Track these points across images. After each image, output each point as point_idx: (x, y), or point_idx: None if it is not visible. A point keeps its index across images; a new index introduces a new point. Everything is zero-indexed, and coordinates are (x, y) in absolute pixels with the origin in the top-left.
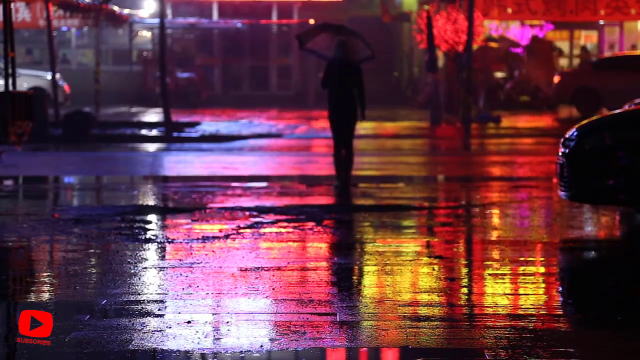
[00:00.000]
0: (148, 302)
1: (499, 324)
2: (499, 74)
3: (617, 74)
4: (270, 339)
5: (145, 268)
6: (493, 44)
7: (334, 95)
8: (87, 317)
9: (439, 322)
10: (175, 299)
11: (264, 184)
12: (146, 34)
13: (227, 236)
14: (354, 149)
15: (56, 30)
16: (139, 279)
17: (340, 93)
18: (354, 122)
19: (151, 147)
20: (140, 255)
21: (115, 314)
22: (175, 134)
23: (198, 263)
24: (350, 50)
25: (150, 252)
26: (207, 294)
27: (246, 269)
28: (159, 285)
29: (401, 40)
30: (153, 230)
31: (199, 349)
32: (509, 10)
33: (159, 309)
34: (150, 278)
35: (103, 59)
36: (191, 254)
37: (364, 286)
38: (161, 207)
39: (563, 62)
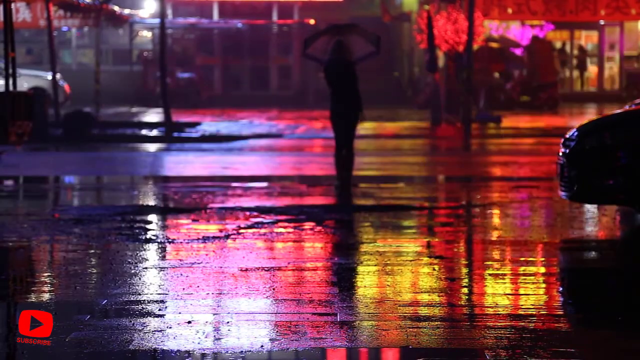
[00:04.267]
0: (148, 302)
1: (499, 324)
2: (499, 74)
3: None
4: (270, 339)
5: (146, 268)
6: (493, 44)
7: (334, 96)
8: (87, 317)
9: (439, 322)
10: (176, 299)
11: (264, 184)
12: (146, 34)
13: (227, 236)
14: (354, 148)
15: (56, 30)
16: (140, 279)
17: (340, 93)
18: (355, 121)
19: (151, 147)
20: (140, 255)
21: (115, 314)
22: (175, 134)
23: (198, 263)
24: (346, 50)
25: (151, 252)
26: (208, 294)
27: (246, 269)
28: (159, 285)
29: (401, 40)
30: (153, 230)
31: (199, 349)
32: (509, 11)
33: (159, 309)
34: (151, 278)
35: (103, 59)
36: (191, 254)
37: (364, 286)
38: (161, 207)
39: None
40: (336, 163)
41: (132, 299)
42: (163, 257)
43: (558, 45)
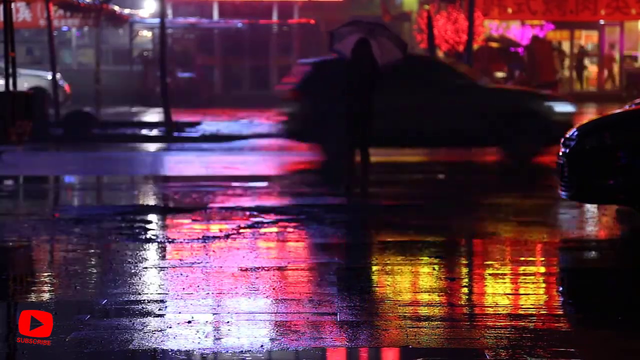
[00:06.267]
0: (148, 302)
1: (499, 323)
2: (499, 74)
3: None
4: (270, 339)
5: (146, 268)
6: (493, 44)
7: (352, 95)
8: (87, 317)
9: (439, 322)
10: (176, 298)
11: (264, 184)
12: (146, 34)
13: (227, 236)
14: (369, 149)
15: (56, 30)
16: (140, 278)
17: (357, 93)
18: (371, 122)
19: (152, 147)
20: (140, 255)
21: (115, 313)
22: (175, 134)
23: (198, 263)
24: (369, 50)
25: (151, 252)
26: (208, 293)
27: (246, 269)
28: (159, 285)
29: None
30: (153, 230)
31: (199, 348)
32: (509, 10)
33: (159, 309)
34: (151, 278)
35: (103, 58)
36: (191, 253)
37: (365, 286)
38: (162, 207)
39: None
40: (345, 163)
41: (132, 299)
42: (163, 257)
43: (565, 45)
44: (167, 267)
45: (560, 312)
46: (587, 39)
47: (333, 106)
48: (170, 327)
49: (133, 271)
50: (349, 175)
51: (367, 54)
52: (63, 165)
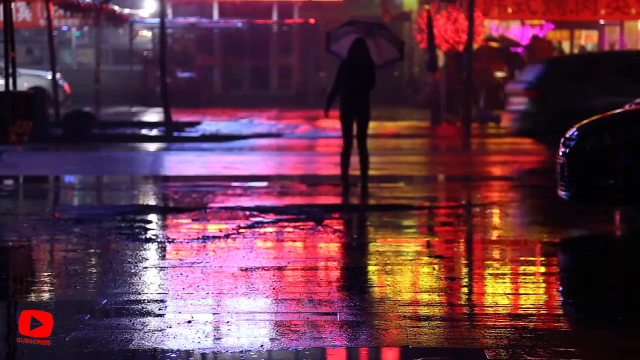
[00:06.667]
0: (148, 302)
1: (499, 323)
2: (499, 74)
3: None
4: (270, 339)
5: (146, 268)
6: (493, 44)
7: (346, 95)
8: (87, 317)
9: (439, 322)
10: (176, 298)
11: (264, 184)
12: (146, 34)
13: (227, 236)
14: (367, 148)
15: (56, 30)
16: (140, 278)
17: (354, 93)
18: (367, 121)
19: (152, 146)
20: (140, 255)
21: (115, 313)
22: (175, 134)
23: (198, 263)
24: (366, 50)
25: (151, 252)
26: (208, 293)
27: (246, 269)
28: (159, 285)
29: None
30: (153, 229)
31: (199, 348)
32: (509, 10)
33: (159, 309)
34: (151, 278)
35: (103, 58)
36: (191, 253)
37: (364, 286)
38: (161, 207)
39: None
40: (342, 163)
41: (132, 298)
42: (163, 257)
43: (565, 45)
44: (167, 267)
45: (560, 312)
46: (587, 38)
47: (569, 105)
48: (170, 327)
49: (133, 271)
50: (345, 176)
51: (363, 54)
52: (63, 165)
